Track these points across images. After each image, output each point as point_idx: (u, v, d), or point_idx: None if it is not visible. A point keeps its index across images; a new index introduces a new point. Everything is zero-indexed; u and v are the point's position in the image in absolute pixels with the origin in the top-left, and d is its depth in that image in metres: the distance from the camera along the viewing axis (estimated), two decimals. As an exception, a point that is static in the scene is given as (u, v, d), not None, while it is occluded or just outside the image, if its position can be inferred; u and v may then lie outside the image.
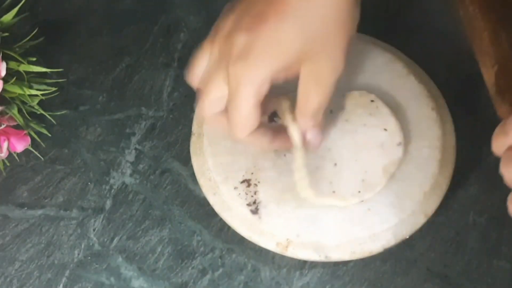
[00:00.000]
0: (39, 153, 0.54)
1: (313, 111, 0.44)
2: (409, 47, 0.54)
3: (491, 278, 0.50)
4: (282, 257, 0.50)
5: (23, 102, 0.52)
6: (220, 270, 0.51)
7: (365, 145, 0.49)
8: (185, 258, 0.51)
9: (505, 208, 0.40)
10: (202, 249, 0.52)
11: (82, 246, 0.52)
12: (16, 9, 0.52)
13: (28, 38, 0.52)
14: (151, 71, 0.58)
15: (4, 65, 0.49)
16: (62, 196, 0.54)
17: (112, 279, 0.51)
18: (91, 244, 0.52)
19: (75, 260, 0.52)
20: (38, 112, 0.53)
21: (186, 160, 0.54)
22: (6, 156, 0.52)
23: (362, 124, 0.50)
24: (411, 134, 0.50)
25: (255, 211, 0.49)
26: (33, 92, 0.51)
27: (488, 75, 0.52)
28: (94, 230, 0.52)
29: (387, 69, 0.52)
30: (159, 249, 0.52)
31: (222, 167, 0.50)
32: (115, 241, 0.52)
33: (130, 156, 0.55)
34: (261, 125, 0.45)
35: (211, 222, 0.52)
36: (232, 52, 0.42)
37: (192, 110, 0.53)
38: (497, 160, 0.40)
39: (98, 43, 0.59)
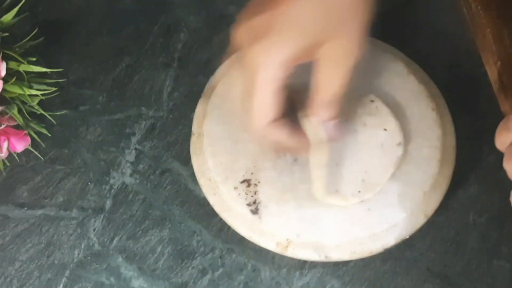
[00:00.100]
0: (39, 153, 0.54)
1: (333, 96, 0.43)
2: (409, 47, 0.54)
3: (491, 278, 0.50)
4: (282, 257, 0.50)
5: (23, 102, 0.52)
6: (220, 270, 0.51)
7: (365, 145, 0.49)
8: (185, 258, 0.51)
9: (505, 208, 0.40)
10: (202, 249, 0.52)
11: (82, 246, 0.52)
12: (16, 9, 0.52)
13: (28, 38, 0.52)
14: (151, 71, 0.58)
15: (4, 65, 0.49)
16: (62, 196, 0.54)
17: (112, 279, 0.51)
18: (91, 244, 0.52)
19: (75, 260, 0.52)
20: (38, 112, 0.53)
21: (186, 160, 0.54)
22: (6, 156, 0.52)
23: (362, 124, 0.50)
24: (411, 134, 0.50)
25: (255, 211, 0.49)
26: (33, 92, 0.51)
27: (491, 72, 0.52)
28: (94, 230, 0.52)
29: (387, 69, 0.52)
30: (159, 249, 0.52)
31: (222, 167, 0.50)
32: (115, 241, 0.52)
33: (130, 156, 0.55)
34: (281, 117, 0.43)
35: (211, 222, 0.52)
36: (251, 36, 0.40)
37: (192, 110, 0.53)
38: (497, 160, 0.40)
39: (98, 43, 0.59)
